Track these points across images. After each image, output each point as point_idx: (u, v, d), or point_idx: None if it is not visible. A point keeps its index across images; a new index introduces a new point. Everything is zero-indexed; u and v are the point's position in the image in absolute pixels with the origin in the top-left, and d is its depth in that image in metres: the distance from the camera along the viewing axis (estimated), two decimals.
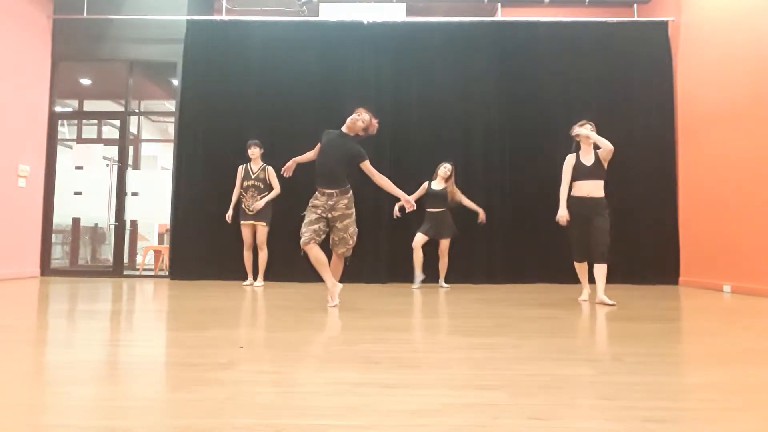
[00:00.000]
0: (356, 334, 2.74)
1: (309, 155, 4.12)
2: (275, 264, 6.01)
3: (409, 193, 5.76)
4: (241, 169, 5.89)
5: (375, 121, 3.91)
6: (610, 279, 6.26)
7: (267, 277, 5.95)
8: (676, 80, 6.53)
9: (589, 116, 6.48)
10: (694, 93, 6.19)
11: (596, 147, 4.27)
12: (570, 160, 4.36)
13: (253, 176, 5.78)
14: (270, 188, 5.78)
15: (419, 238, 5.66)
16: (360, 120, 3.84)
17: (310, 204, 3.87)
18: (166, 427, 1.35)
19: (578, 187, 4.30)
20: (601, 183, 4.27)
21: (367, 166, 3.81)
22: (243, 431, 1.33)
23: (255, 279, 5.82)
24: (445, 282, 5.79)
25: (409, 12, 7.14)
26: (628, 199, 6.40)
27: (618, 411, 1.51)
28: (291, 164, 4.17)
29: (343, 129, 3.87)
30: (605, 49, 6.62)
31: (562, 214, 4.30)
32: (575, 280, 6.09)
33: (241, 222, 5.79)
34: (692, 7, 6.28)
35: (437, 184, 5.74)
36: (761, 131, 5.07)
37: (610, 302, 4.13)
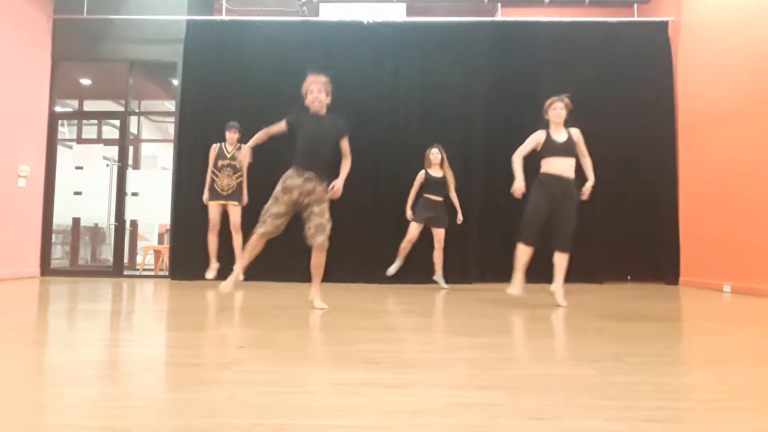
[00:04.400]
0: (356, 334, 2.73)
1: (278, 128, 3.75)
2: (275, 264, 5.97)
3: (409, 190, 5.80)
4: (214, 148, 5.66)
5: (315, 81, 3.62)
6: (611, 278, 6.33)
7: (266, 277, 5.89)
8: (676, 80, 6.53)
9: (590, 116, 6.54)
10: (694, 93, 6.19)
11: (566, 125, 4.06)
12: (539, 136, 4.05)
13: (228, 155, 5.61)
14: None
15: (415, 228, 5.48)
16: (318, 96, 3.60)
17: (283, 184, 3.62)
18: (166, 427, 1.35)
19: (549, 164, 3.97)
20: (573, 162, 3.99)
21: (346, 142, 3.70)
22: (243, 431, 1.32)
23: (226, 271, 5.55)
24: (445, 282, 5.65)
25: (409, 12, 7.14)
26: (628, 198, 6.41)
27: (618, 411, 1.51)
28: (261, 136, 3.77)
29: (314, 111, 3.65)
30: (605, 49, 6.62)
31: (519, 186, 3.94)
32: (575, 279, 6.13)
33: (210, 201, 5.53)
34: (692, 7, 6.28)
35: (435, 171, 5.59)
36: (761, 131, 5.07)
37: (563, 302, 3.94)
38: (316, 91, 3.62)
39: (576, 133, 4.10)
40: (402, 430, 1.35)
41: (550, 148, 3.99)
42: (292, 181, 3.62)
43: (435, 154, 5.59)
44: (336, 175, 3.68)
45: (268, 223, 3.62)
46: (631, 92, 6.60)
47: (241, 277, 3.81)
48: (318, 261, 3.70)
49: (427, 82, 6.57)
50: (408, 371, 1.95)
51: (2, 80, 6.11)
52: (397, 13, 6.95)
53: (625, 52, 6.63)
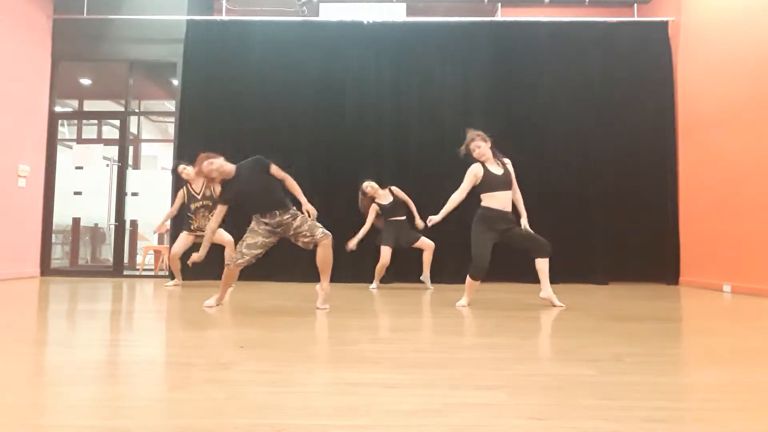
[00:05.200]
0: (356, 334, 2.73)
1: (222, 212, 3.75)
2: (275, 263, 5.96)
3: (414, 191, 5.77)
4: (181, 193, 5.51)
5: (202, 168, 3.65)
6: (610, 278, 6.32)
7: (266, 277, 5.88)
8: (676, 80, 6.53)
9: (590, 116, 6.56)
10: (694, 93, 6.18)
11: (496, 156, 3.98)
12: (475, 170, 3.91)
13: (198, 196, 5.45)
14: (218, 200, 5.42)
15: (386, 252, 5.41)
16: (216, 170, 3.62)
17: (253, 226, 3.68)
18: (166, 427, 1.35)
19: (492, 199, 3.89)
20: (510, 194, 3.95)
21: (274, 169, 3.69)
22: (243, 431, 1.32)
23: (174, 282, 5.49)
24: (431, 281, 5.58)
25: (409, 12, 7.13)
26: (628, 198, 6.41)
27: (618, 411, 1.51)
28: (213, 228, 3.85)
29: (225, 178, 3.67)
30: (605, 49, 6.62)
31: (437, 219, 3.91)
32: (576, 280, 6.15)
33: (187, 232, 5.44)
34: (692, 7, 6.28)
35: (384, 199, 5.51)
36: (761, 131, 5.07)
37: (560, 303, 3.95)
38: (213, 168, 3.61)
39: (509, 164, 4.04)
40: (402, 430, 1.35)
41: (491, 182, 3.89)
42: (259, 222, 3.68)
43: (369, 187, 5.50)
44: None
45: (245, 254, 3.63)
46: (631, 92, 6.59)
47: (215, 303, 3.82)
48: (324, 254, 3.66)
49: (427, 82, 6.57)
50: (408, 371, 1.95)
51: (2, 80, 6.11)
52: (397, 13, 6.95)
53: (625, 52, 6.63)
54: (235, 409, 1.49)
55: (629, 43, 6.63)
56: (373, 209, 5.53)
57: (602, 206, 6.38)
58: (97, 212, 7.60)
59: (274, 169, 3.70)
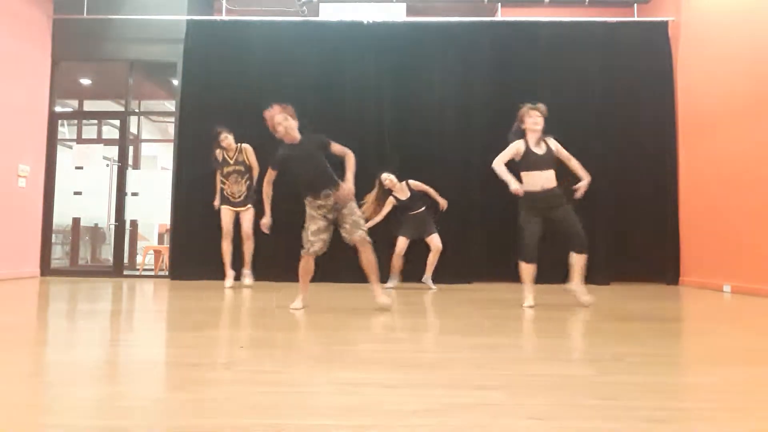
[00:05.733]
0: (356, 334, 2.73)
1: (271, 176, 3.76)
2: (275, 263, 5.96)
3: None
4: (218, 154, 5.57)
5: (275, 115, 3.64)
6: (610, 278, 6.31)
7: (265, 277, 5.88)
8: (676, 80, 6.53)
9: (590, 116, 6.56)
10: (694, 93, 6.18)
11: (545, 134, 3.94)
12: (518, 146, 3.89)
13: (231, 161, 5.53)
14: (249, 169, 5.51)
15: (402, 242, 5.43)
16: (286, 126, 3.61)
17: (309, 212, 3.65)
18: (166, 427, 1.35)
19: (530, 180, 3.85)
20: (553, 173, 3.86)
21: (335, 146, 3.70)
22: (243, 431, 1.32)
23: (237, 277, 5.45)
24: (433, 281, 5.59)
25: (409, 12, 7.13)
26: (629, 198, 6.41)
27: (618, 411, 1.51)
28: (267, 192, 3.78)
29: (289, 142, 3.67)
30: (605, 49, 6.61)
31: (516, 186, 3.82)
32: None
33: (222, 206, 5.48)
34: (692, 7, 6.28)
35: (402, 194, 5.51)
36: (761, 131, 5.06)
37: (586, 299, 3.86)
38: (283, 124, 3.61)
39: (554, 143, 4.01)
40: (402, 430, 1.35)
41: (530, 161, 3.86)
42: (314, 211, 3.63)
43: (388, 179, 5.45)
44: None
45: (314, 242, 3.60)
46: (631, 92, 6.59)
47: (301, 305, 3.74)
48: (366, 257, 3.64)
49: (427, 82, 6.57)
50: (408, 371, 1.95)
51: (2, 80, 6.11)
52: (397, 13, 6.95)
53: (625, 52, 6.62)
54: (235, 409, 1.49)
55: (629, 43, 6.63)
56: (389, 203, 5.53)
57: (603, 206, 6.37)
58: (97, 212, 7.60)
59: (336, 147, 3.70)
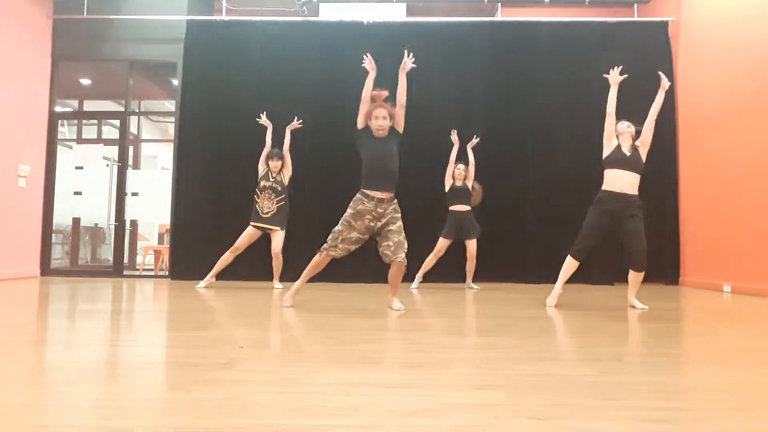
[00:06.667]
0: (356, 334, 2.73)
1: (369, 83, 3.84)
2: (285, 266, 5.91)
3: (416, 193, 5.81)
4: (263, 168, 5.57)
5: (382, 108, 3.66)
6: (614, 278, 6.30)
7: (266, 277, 5.88)
8: (676, 80, 6.53)
9: (589, 116, 6.53)
10: (694, 93, 6.18)
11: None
12: (613, 136, 3.95)
13: (271, 179, 5.51)
14: (286, 191, 5.53)
15: (442, 243, 5.54)
16: (382, 124, 3.60)
17: (354, 209, 3.51)
18: (166, 427, 1.35)
19: (612, 178, 3.81)
20: (637, 178, 3.79)
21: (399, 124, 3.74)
22: (243, 431, 1.32)
23: (207, 280, 5.47)
24: (473, 283, 5.72)
25: (409, 12, 7.13)
26: None
27: (618, 411, 1.51)
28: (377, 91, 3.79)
29: (376, 134, 3.63)
30: (605, 49, 6.60)
31: (619, 79, 4.04)
32: (577, 280, 6.08)
33: (252, 223, 5.45)
34: (692, 7, 6.28)
35: (459, 180, 5.69)
36: (761, 131, 5.07)
37: (642, 305, 3.87)
38: (381, 119, 3.59)
39: (641, 148, 3.98)
40: (402, 430, 1.35)
41: (617, 159, 3.84)
42: (363, 207, 3.50)
43: (460, 170, 5.69)
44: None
45: (340, 248, 3.55)
46: (630, 92, 6.54)
47: (291, 302, 3.78)
48: (397, 275, 3.60)
49: (426, 82, 6.56)
50: (408, 371, 1.95)
51: (2, 80, 6.11)
52: (397, 13, 6.95)
53: (625, 52, 6.60)
54: (235, 409, 1.49)
55: (629, 43, 6.62)
56: (450, 174, 5.68)
57: None
58: (97, 212, 7.60)
59: (399, 123, 3.74)
